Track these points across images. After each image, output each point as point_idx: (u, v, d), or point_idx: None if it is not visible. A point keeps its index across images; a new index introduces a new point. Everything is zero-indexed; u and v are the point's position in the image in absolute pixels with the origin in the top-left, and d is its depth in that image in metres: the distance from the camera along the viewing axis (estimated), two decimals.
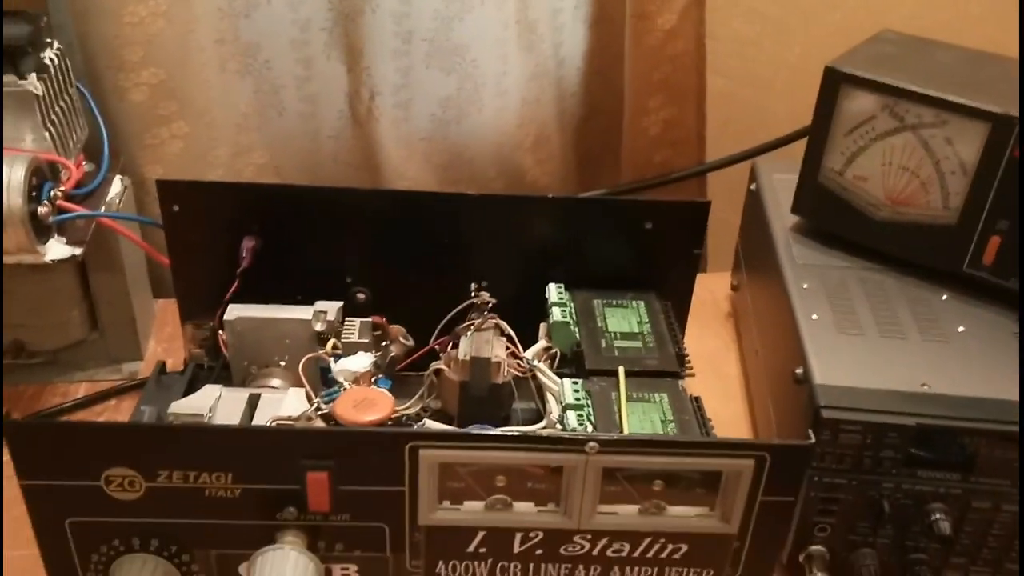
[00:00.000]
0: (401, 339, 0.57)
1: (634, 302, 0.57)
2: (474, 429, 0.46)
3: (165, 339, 0.67)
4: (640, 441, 0.40)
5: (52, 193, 0.55)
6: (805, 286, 0.56)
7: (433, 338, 0.57)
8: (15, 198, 0.53)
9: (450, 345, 0.56)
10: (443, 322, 0.56)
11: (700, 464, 0.41)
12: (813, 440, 0.40)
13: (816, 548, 0.50)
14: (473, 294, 0.58)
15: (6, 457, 0.40)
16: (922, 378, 0.48)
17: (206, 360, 0.59)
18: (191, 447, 0.40)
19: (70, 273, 0.60)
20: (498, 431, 0.43)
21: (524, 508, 0.43)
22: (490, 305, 0.56)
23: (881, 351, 0.51)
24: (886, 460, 0.48)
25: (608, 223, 0.58)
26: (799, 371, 0.50)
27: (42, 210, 0.54)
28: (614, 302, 0.57)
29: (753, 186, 0.67)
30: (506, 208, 0.58)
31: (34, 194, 0.55)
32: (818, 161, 0.59)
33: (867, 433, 0.47)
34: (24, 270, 0.59)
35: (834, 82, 0.57)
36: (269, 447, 0.40)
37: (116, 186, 0.62)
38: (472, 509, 0.42)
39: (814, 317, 0.53)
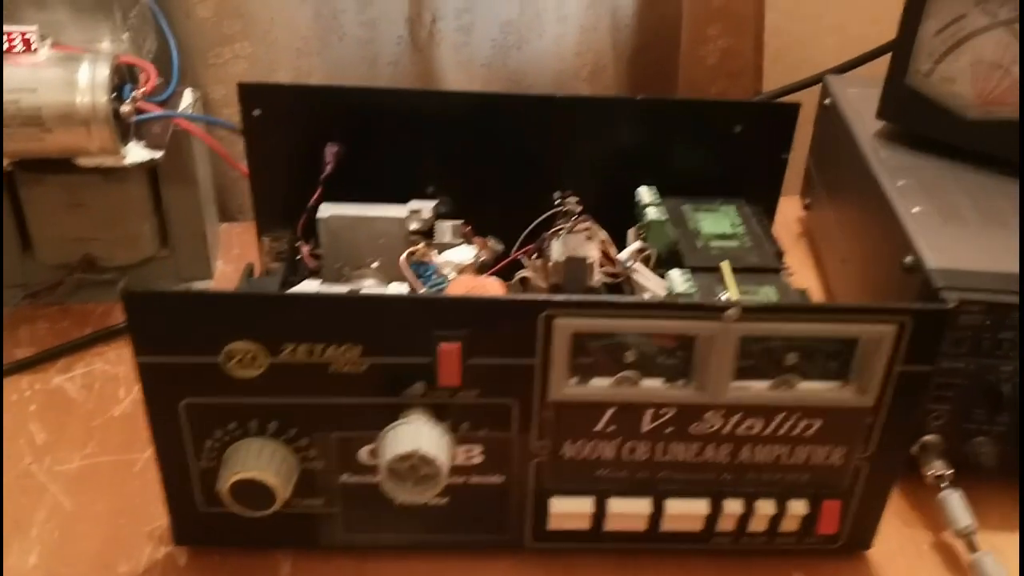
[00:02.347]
0: (491, 243, 0.55)
1: (723, 207, 0.56)
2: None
3: (233, 260, 0.66)
4: (782, 307, 0.39)
5: (132, 95, 0.54)
6: (900, 183, 0.55)
7: (517, 246, 0.56)
8: (100, 95, 0.51)
9: (534, 254, 0.55)
10: (528, 229, 0.55)
11: (840, 331, 0.39)
12: (953, 304, 0.39)
13: (930, 438, 0.49)
14: (558, 201, 0.57)
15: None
16: None
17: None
18: (319, 318, 0.39)
19: (143, 184, 0.58)
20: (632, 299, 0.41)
21: (654, 384, 0.42)
22: (580, 210, 0.55)
23: (989, 238, 0.50)
24: (1005, 342, 0.47)
25: (696, 126, 0.57)
26: (908, 260, 0.49)
27: (125, 109, 0.52)
28: (704, 207, 0.56)
29: (827, 100, 0.66)
30: (592, 111, 0.56)
31: (115, 95, 0.53)
32: (906, 63, 0.58)
33: (987, 314, 0.46)
34: (96, 181, 0.57)
35: None
36: (401, 317, 0.39)
37: (187, 98, 0.60)
38: (602, 385, 0.41)
39: (915, 210, 0.52)
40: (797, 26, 0.86)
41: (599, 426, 0.42)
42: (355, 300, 0.38)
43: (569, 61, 0.77)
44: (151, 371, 0.40)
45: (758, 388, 0.42)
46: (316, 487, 0.43)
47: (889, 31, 0.70)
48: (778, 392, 0.41)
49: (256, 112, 0.55)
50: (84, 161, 0.53)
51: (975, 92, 0.56)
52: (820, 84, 0.70)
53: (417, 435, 0.39)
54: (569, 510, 0.44)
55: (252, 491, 0.41)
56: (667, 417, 0.42)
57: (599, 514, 0.44)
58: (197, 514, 0.44)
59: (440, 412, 0.41)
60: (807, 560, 0.47)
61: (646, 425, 0.42)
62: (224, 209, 0.73)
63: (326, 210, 0.52)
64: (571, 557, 0.46)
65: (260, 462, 0.41)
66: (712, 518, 0.45)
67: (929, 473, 0.48)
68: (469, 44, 0.74)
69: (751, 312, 0.39)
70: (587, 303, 0.39)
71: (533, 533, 0.45)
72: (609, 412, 0.42)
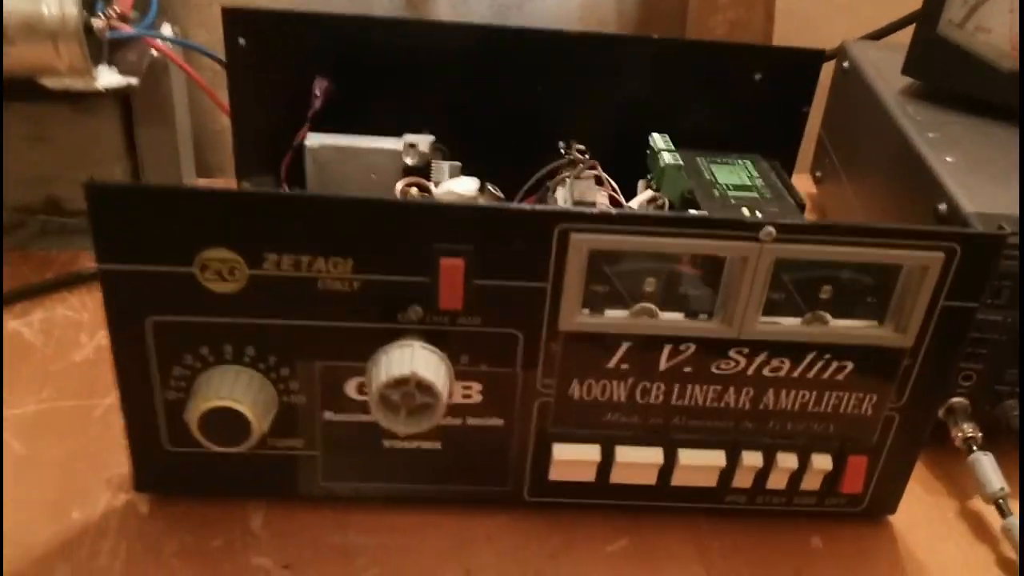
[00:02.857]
0: (490, 189, 0.52)
1: (740, 160, 0.53)
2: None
3: None
4: (823, 226, 0.35)
5: (107, 10, 0.49)
6: (931, 135, 0.52)
7: (519, 197, 0.52)
8: (70, 6, 0.47)
9: (537, 205, 0.51)
10: (533, 179, 0.52)
11: (883, 256, 0.36)
12: (1009, 230, 0.36)
13: (958, 400, 0.46)
14: (563, 151, 0.53)
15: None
16: None
17: None
18: (306, 224, 0.35)
19: (115, 120, 0.54)
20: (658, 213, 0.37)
21: (674, 317, 0.38)
22: (587, 156, 0.52)
23: None
24: None
25: (714, 72, 0.54)
26: (942, 207, 0.46)
27: (98, 24, 0.48)
28: (719, 160, 0.53)
29: (846, 64, 0.64)
30: (604, 50, 0.53)
31: (86, 11, 0.49)
32: (937, 13, 0.55)
33: None
34: (64, 111, 0.53)
35: None
36: (398, 226, 0.35)
37: (167, 31, 0.56)
38: (619, 315, 0.38)
39: (948, 159, 0.49)
40: (807, 5, 0.84)
41: (612, 363, 0.38)
42: (347, 202, 0.34)
43: (572, 25, 0.74)
44: (115, 281, 0.35)
45: (788, 324, 0.38)
46: (295, 426, 0.39)
47: (900, 11, 0.68)
48: (810, 328, 0.38)
49: (241, 42, 0.51)
50: (51, 82, 0.49)
51: (1011, 43, 0.54)
52: (833, 59, 0.68)
53: (414, 358, 0.35)
54: (573, 457, 0.40)
55: (225, 423, 0.36)
56: (687, 354, 0.38)
57: (606, 464, 0.40)
58: (161, 454, 0.39)
59: (438, 341, 0.37)
60: (827, 525, 0.43)
61: (663, 363, 0.38)
62: (203, 164, 0.69)
63: (315, 139, 0.48)
64: (573, 514, 0.42)
65: (235, 391, 0.36)
66: (728, 472, 0.41)
67: (959, 435, 0.45)
68: (468, 2, 0.71)
69: (788, 232, 0.35)
70: (608, 216, 0.35)
71: (533, 485, 0.41)
72: (624, 347, 0.38)
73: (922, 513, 0.45)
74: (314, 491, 0.41)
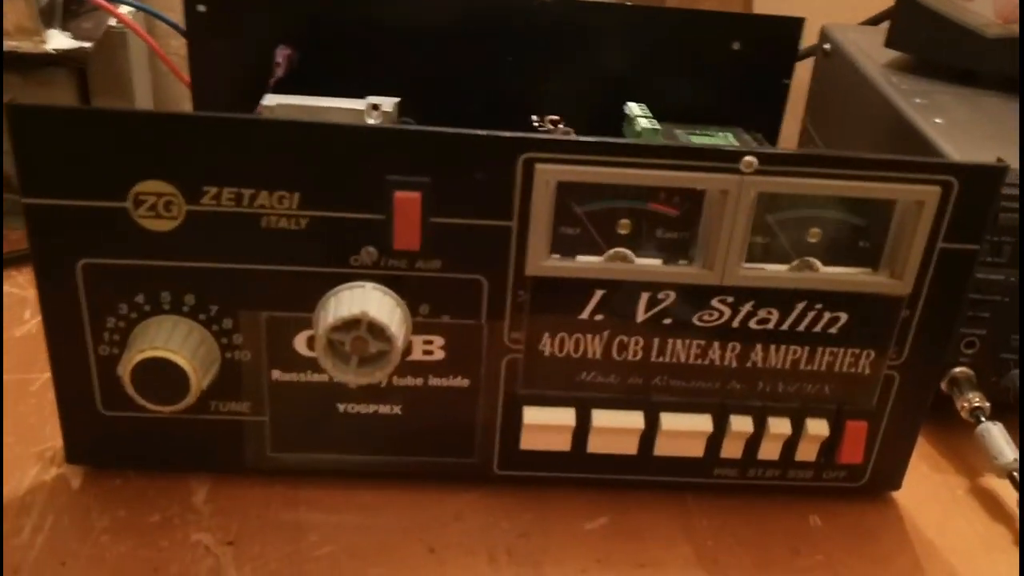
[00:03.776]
0: None
1: (720, 132, 0.51)
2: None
3: None
4: (807, 157, 0.33)
5: None
6: (918, 101, 0.50)
7: None
8: None
9: None
10: None
11: (875, 190, 0.33)
12: (1008, 163, 0.33)
13: (961, 370, 0.43)
14: (536, 125, 0.51)
15: None
16: None
17: None
18: (250, 152, 0.32)
19: (70, 91, 0.51)
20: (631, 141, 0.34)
21: (651, 262, 0.35)
22: (560, 123, 0.50)
23: (1016, 149, 0.45)
24: None
25: (689, 41, 0.52)
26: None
27: None
28: (699, 132, 0.51)
29: (827, 46, 0.62)
30: (576, 17, 0.50)
31: None
32: None
33: None
34: (15, 82, 0.50)
35: None
36: (348, 153, 0.32)
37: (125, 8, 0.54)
38: (591, 260, 0.35)
39: (938, 121, 0.47)
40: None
41: (585, 313, 0.35)
42: (291, 126, 0.32)
43: None
44: (42, 218, 0.32)
45: (775, 270, 0.35)
46: (240, 387, 0.36)
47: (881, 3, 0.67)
48: (799, 274, 0.35)
49: (201, 8, 0.49)
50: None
51: (994, 11, 0.52)
52: (810, 50, 0.66)
53: (366, 299, 0.32)
54: (546, 420, 0.36)
55: (160, 377, 0.33)
56: (666, 303, 0.35)
57: (582, 430, 0.37)
58: (95, 419, 0.36)
59: (396, 287, 0.34)
60: (825, 501, 0.40)
61: (641, 314, 0.35)
62: None
63: (272, 99, 0.45)
64: (547, 489, 0.39)
65: (172, 342, 0.33)
66: (716, 440, 0.37)
67: (965, 406, 0.42)
68: None
69: (771, 162, 0.33)
70: (576, 143, 0.32)
71: (503, 456, 0.38)
72: (597, 296, 0.35)
73: (929, 490, 0.41)
74: (262, 463, 0.37)
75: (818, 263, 0.35)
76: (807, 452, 0.38)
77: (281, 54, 0.50)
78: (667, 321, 0.35)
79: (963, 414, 0.42)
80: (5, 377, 0.43)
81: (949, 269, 0.35)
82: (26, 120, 0.31)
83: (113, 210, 0.32)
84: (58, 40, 0.47)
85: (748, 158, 0.33)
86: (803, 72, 0.61)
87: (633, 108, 0.51)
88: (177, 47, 0.58)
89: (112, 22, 0.51)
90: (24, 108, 0.31)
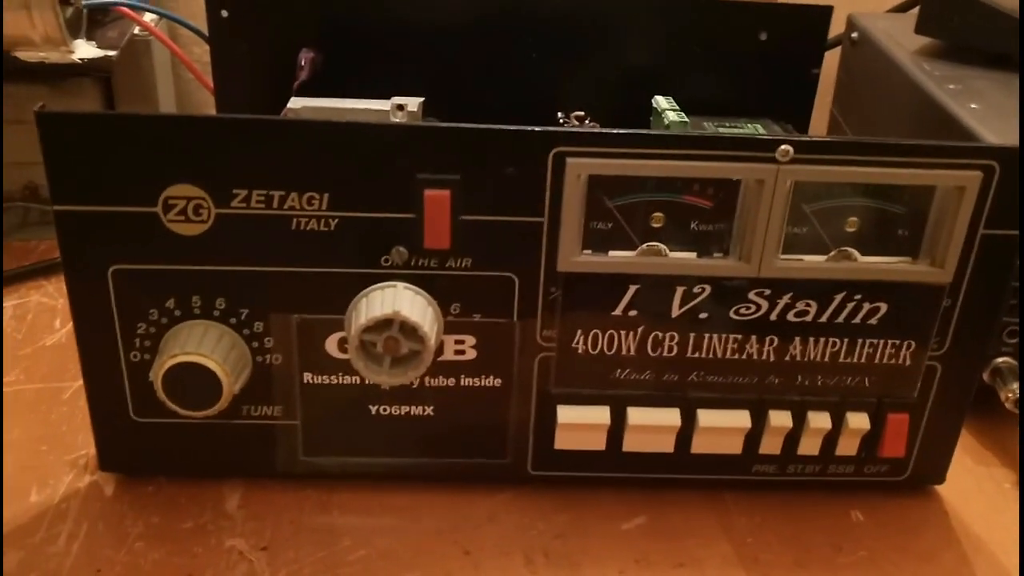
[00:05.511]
0: None
1: (750, 124, 0.50)
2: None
3: None
4: (844, 144, 0.32)
5: None
6: (952, 87, 0.49)
7: None
8: None
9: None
10: None
11: (914, 177, 0.32)
12: None
13: (1004, 360, 0.42)
14: (562, 122, 0.51)
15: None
16: None
17: None
18: (279, 154, 0.31)
19: (95, 100, 0.52)
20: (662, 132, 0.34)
21: (686, 256, 0.34)
22: (588, 119, 0.49)
23: None
24: None
25: (716, 32, 0.51)
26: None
27: None
28: (727, 124, 0.50)
29: (855, 34, 0.61)
30: (601, 10, 0.50)
31: None
32: None
33: None
34: (43, 93, 0.51)
35: None
36: (376, 153, 0.31)
37: (148, 16, 0.54)
38: (624, 254, 0.34)
39: (974, 106, 0.46)
40: None
41: (618, 309, 0.35)
42: (320, 126, 0.31)
43: None
44: (72, 224, 0.32)
45: (812, 261, 0.35)
46: (272, 390, 0.35)
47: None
48: (837, 265, 0.34)
49: (224, 13, 0.49)
50: (26, 55, 0.47)
51: None
52: (837, 39, 0.66)
53: (398, 299, 0.32)
54: (581, 420, 0.36)
55: (192, 382, 0.33)
56: (702, 297, 0.34)
57: (617, 429, 0.36)
58: (127, 426, 0.36)
59: (427, 287, 0.34)
60: (867, 496, 0.39)
61: (676, 309, 0.35)
62: None
63: (297, 103, 0.45)
64: (583, 489, 0.38)
65: (204, 346, 0.33)
66: (754, 436, 0.37)
67: (1009, 396, 0.41)
68: None
69: (807, 150, 0.32)
70: (608, 135, 0.32)
71: (537, 457, 0.37)
72: (631, 291, 0.34)
73: (974, 484, 0.40)
74: (295, 468, 0.37)
75: (856, 253, 0.35)
76: (848, 446, 0.37)
77: (304, 57, 0.49)
78: (703, 315, 0.35)
79: (1007, 405, 0.41)
80: (37, 386, 0.43)
81: (991, 256, 0.34)
82: (56, 127, 0.31)
83: (143, 215, 0.32)
84: (84, 50, 0.47)
85: (784, 146, 0.32)
86: (830, 62, 0.60)
87: (661, 101, 0.50)
88: (200, 54, 0.58)
89: (136, 30, 0.51)
90: (54, 115, 0.31)
